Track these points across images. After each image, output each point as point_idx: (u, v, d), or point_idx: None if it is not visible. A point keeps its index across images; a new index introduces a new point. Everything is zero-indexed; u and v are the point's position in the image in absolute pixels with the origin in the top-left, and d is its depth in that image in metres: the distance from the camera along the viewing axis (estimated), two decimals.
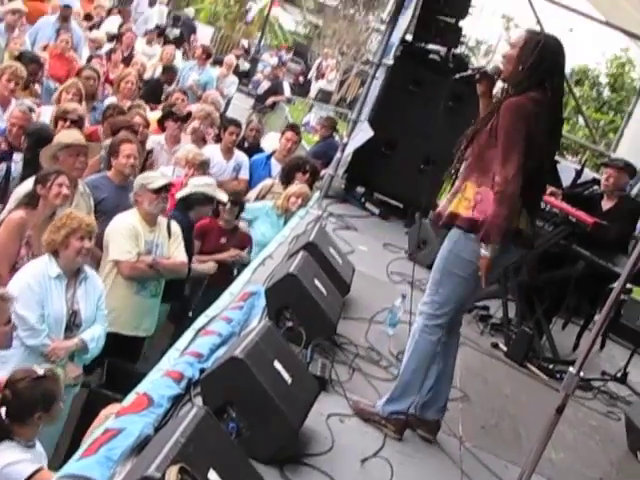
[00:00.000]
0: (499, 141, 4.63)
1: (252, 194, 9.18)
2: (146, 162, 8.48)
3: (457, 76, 5.16)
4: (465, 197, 4.77)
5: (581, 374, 3.89)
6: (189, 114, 9.78)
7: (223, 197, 7.76)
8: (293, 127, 10.95)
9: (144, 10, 19.79)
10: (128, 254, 6.57)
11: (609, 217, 7.75)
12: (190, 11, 23.60)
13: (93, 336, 5.81)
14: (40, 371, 4.62)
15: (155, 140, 9.17)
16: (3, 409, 4.49)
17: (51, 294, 5.60)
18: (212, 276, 7.65)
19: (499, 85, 4.99)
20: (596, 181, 8.79)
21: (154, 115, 9.98)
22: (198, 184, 7.62)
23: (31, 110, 8.14)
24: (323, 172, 10.21)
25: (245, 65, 19.03)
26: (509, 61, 4.82)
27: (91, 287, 5.90)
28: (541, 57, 4.68)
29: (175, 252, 6.91)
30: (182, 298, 7.55)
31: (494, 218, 4.56)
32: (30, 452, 4.52)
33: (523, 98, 4.66)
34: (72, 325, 5.72)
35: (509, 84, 4.83)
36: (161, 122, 9.48)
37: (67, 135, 7.17)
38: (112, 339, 6.17)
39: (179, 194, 7.54)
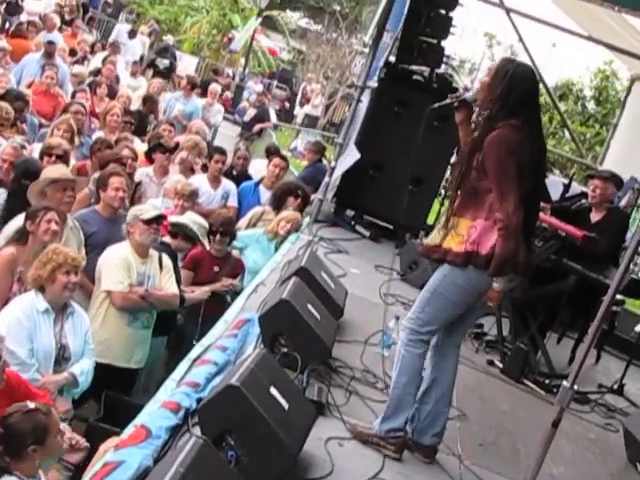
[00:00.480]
0: (492, 179, 4.66)
1: (243, 222, 9.18)
2: (134, 195, 8.48)
3: (435, 105, 5.23)
4: (458, 233, 4.79)
5: (576, 387, 3.91)
6: (177, 145, 9.81)
7: (205, 244, 7.85)
8: (278, 153, 10.99)
9: (124, 42, 19.91)
10: (120, 284, 6.58)
11: (598, 229, 7.79)
12: (170, 39, 23.65)
13: (82, 370, 5.81)
14: (31, 405, 4.58)
15: (143, 172, 9.19)
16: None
17: (40, 328, 5.61)
18: (207, 305, 7.64)
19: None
20: (584, 194, 8.82)
21: (141, 147, 10.02)
22: (195, 221, 7.64)
23: (23, 147, 8.17)
24: (312, 197, 10.23)
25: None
26: (482, 88, 4.86)
27: (78, 321, 5.92)
28: (510, 86, 4.72)
29: (167, 284, 6.92)
30: (176, 328, 7.54)
31: (503, 253, 4.60)
32: None
33: (502, 130, 4.68)
34: (61, 359, 5.72)
35: (483, 113, 4.85)
36: (149, 154, 9.49)
37: (54, 170, 7.18)
38: (104, 371, 6.19)
39: (172, 218, 7.55)
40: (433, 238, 4.98)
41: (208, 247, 7.87)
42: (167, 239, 7.51)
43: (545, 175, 5.29)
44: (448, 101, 5.08)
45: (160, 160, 9.33)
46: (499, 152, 4.65)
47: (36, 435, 4.47)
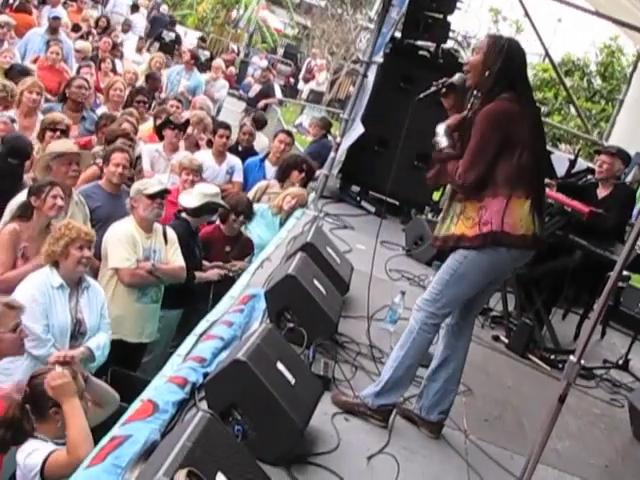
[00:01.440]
0: (471, 146, 4.66)
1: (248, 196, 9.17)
2: (135, 169, 8.47)
3: (421, 96, 5.11)
4: (467, 217, 4.75)
5: (582, 362, 3.91)
6: (187, 121, 9.77)
7: (226, 205, 7.80)
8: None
9: (124, 14, 19.84)
10: (127, 261, 6.58)
11: (605, 205, 7.78)
12: (165, 9, 23.53)
13: (99, 344, 5.82)
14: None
15: (152, 148, 9.18)
16: (27, 406, 4.61)
17: (55, 304, 5.61)
18: (217, 283, 7.62)
19: None
20: (590, 170, 8.81)
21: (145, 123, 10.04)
22: (208, 193, 7.59)
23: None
24: (318, 172, 10.22)
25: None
26: (474, 67, 4.81)
27: (93, 295, 5.92)
28: (510, 59, 4.72)
29: (173, 257, 6.92)
30: (190, 304, 7.53)
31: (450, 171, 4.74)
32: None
33: (498, 102, 4.67)
34: (77, 334, 5.74)
35: (479, 91, 4.83)
36: (159, 130, 9.47)
37: (59, 144, 7.20)
38: (116, 347, 6.18)
39: (187, 202, 7.52)
40: (441, 228, 4.94)
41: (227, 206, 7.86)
42: (184, 215, 7.49)
43: (545, 148, 5.26)
44: (433, 89, 5.01)
45: (170, 137, 9.29)
46: (486, 125, 4.65)
47: None
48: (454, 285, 4.80)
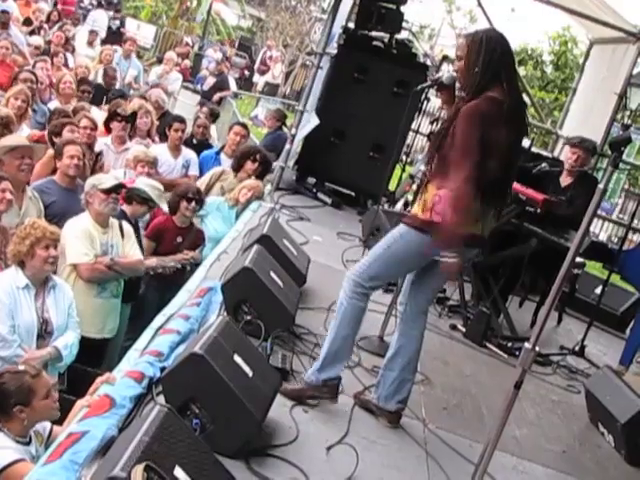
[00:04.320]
0: (455, 148, 4.67)
1: (202, 182, 9.12)
2: (96, 165, 8.41)
3: (418, 88, 5.51)
4: (424, 199, 4.81)
5: (537, 349, 3.94)
6: (134, 113, 9.70)
7: (163, 207, 7.78)
8: (240, 122, 11.00)
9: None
10: (86, 256, 6.53)
11: (569, 193, 7.86)
12: None
13: (66, 344, 5.79)
14: (21, 367, 4.72)
15: (102, 142, 9.10)
16: None
17: (20, 304, 5.58)
18: (166, 275, 7.60)
19: None
20: (544, 158, 8.87)
21: (100, 117, 9.94)
22: (147, 184, 7.58)
23: None
24: (274, 164, 10.20)
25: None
26: (461, 72, 4.85)
27: (61, 295, 5.89)
28: (491, 50, 4.71)
29: (130, 251, 6.90)
30: (138, 297, 7.51)
31: (449, 223, 4.60)
32: (19, 446, 4.57)
33: (479, 101, 4.69)
34: (44, 333, 5.71)
35: (467, 89, 4.86)
36: (107, 124, 9.40)
37: (10, 139, 7.16)
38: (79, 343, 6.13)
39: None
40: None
41: (165, 209, 7.81)
42: (124, 207, 7.43)
43: (517, 160, 5.21)
44: (429, 83, 5.30)
45: (117, 129, 9.24)
46: (466, 123, 4.65)
47: (20, 395, 4.57)
48: (384, 260, 4.88)
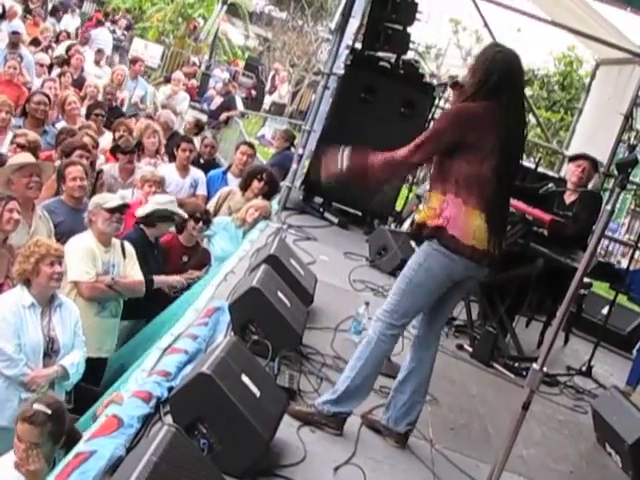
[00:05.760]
0: (424, 133, 4.75)
1: (211, 204, 9.18)
2: (96, 182, 8.42)
3: (435, 83, 5.42)
4: (430, 207, 4.81)
5: (545, 369, 3.94)
6: (139, 143, 9.68)
7: (184, 214, 7.76)
8: (246, 142, 11.05)
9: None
10: (87, 275, 6.57)
11: (574, 209, 7.84)
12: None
13: (73, 362, 5.80)
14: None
15: (109, 172, 9.06)
16: None
17: (26, 323, 5.60)
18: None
19: None
20: (549, 178, 8.87)
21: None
22: (160, 201, 7.62)
23: None
24: (281, 184, 10.22)
25: None
26: (468, 72, 4.95)
27: (67, 313, 5.91)
28: (489, 71, 4.76)
29: (131, 271, 6.95)
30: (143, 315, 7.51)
31: (371, 168, 4.92)
32: None
33: (465, 104, 4.75)
34: (50, 352, 5.73)
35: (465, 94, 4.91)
36: (114, 153, 9.42)
37: (18, 157, 7.23)
38: None
39: (140, 211, 7.52)
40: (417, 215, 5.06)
41: (185, 216, 7.84)
42: (145, 229, 7.47)
43: (517, 169, 5.24)
44: (446, 81, 5.29)
45: (122, 161, 9.23)
46: (450, 119, 4.83)
47: None
48: (410, 294, 4.82)
